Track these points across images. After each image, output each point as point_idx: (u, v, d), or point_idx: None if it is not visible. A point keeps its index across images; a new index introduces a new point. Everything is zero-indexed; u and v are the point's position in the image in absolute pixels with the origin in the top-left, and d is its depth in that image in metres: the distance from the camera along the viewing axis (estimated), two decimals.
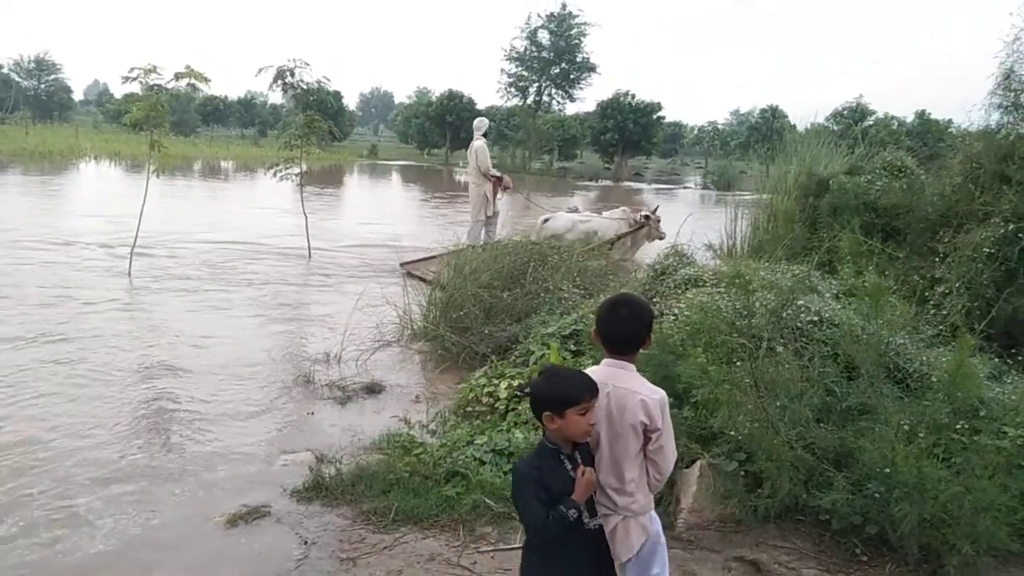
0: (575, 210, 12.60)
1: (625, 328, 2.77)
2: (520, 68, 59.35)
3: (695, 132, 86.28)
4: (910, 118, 53.22)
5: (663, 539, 2.91)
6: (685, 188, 50.48)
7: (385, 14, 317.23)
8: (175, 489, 4.73)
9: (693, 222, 10.63)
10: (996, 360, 5.14)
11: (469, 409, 6.02)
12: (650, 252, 11.21)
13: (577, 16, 58.51)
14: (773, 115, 66.26)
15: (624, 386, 2.71)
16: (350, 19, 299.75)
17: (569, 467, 2.58)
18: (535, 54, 58.61)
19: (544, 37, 58.43)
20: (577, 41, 58.49)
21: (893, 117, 52.39)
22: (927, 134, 46.02)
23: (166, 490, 4.70)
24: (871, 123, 48.13)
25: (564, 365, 5.78)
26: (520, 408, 5.70)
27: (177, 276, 11.21)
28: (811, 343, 4.65)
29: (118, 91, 69.70)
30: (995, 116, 7.52)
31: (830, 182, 9.01)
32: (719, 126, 76.47)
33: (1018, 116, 7.23)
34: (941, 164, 8.93)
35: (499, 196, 12.43)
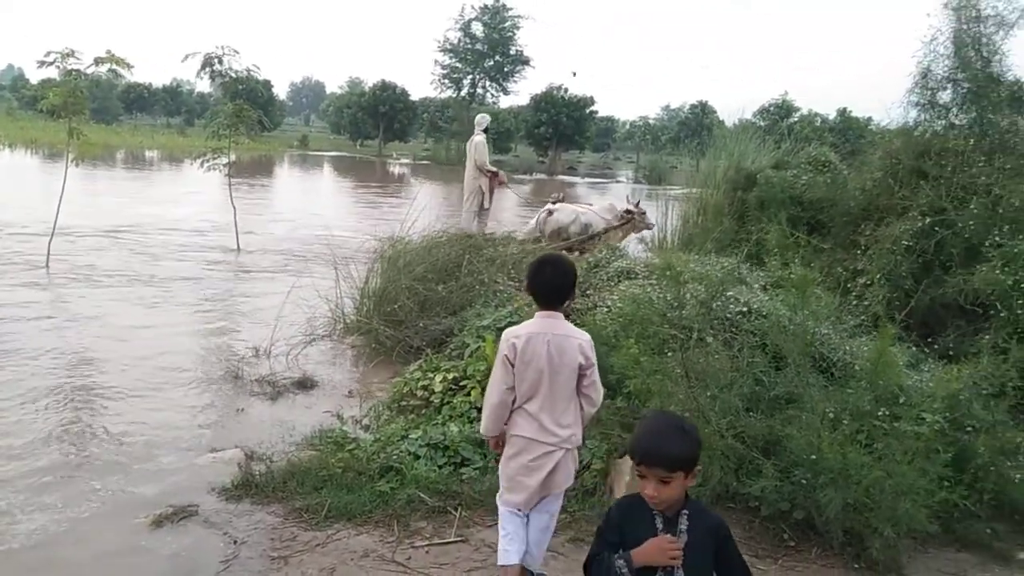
0: (560, 201, 12.68)
1: (551, 283, 3.16)
2: (454, 60, 59.15)
3: (627, 127, 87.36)
4: (832, 115, 55.02)
5: None
6: (618, 182, 51.02)
7: (316, 2, 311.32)
8: (97, 487, 4.55)
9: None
10: (914, 349, 5.35)
11: (403, 403, 5.95)
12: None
13: (511, 9, 58.62)
14: (703, 111, 67.55)
15: (561, 332, 3.11)
16: (280, 7, 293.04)
17: (660, 526, 2.19)
18: (469, 46, 58.45)
19: (478, 29, 58.32)
20: (511, 34, 58.58)
21: (816, 114, 54.06)
22: (848, 130, 47.56)
23: (88, 488, 4.52)
24: (796, 119, 49.57)
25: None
26: (455, 402, 5.67)
27: (98, 269, 10.78)
28: (740, 333, 4.74)
29: (34, 76, 66.65)
30: (913, 114, 7.76)
31: (757, 176, 9.22)
32: (650, 121, 77.60)
33: (934, 114, 7.49)
34: (862, 160, 9.22)
35: (496, 191, 12.67)
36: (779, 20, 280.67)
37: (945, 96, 7.54)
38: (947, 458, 3.73)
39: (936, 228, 6.14)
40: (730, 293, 5.18)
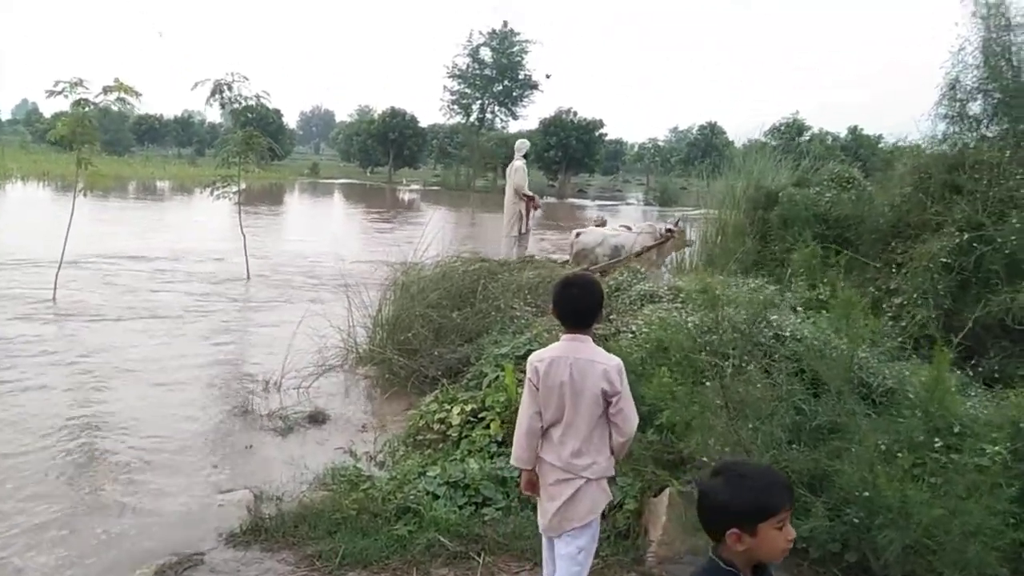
0: (603, 224, 13.06)
1: (577, 304, 3.05)
2: (463, 85, 59.27)
3: (636, 149, 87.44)
4: (843, 133, 54.75)
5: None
6: (628, 204, 50.91)
7: (325, 32, 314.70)
8: (101, 532, 4.32)
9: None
10: (959, 372, 5.04)
11: (420, 438, 5.69)
12: None
13: (519, 34, 58.84)
14: (712, 131, 67.44)
15: (584, 356, 2.97)
16: (289, 38, 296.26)
17: None
18: (477, 71, 58.61)
19: (486, 54, 58.51)
20: (519, 59, 58.72)
21: (827, 132, 53.81)
22: (860, 148, 47.31)
23: (92, 535, 4.29)
24: (807, 138, 49.27)
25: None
26: (474, 435, 5.40)
27: (106, 300, 10.61)
28: (777, 360, 4.46)
29: (47, 109, 67.40)
30: (941, 127, 7.50)
31: (779, 194, 8.97)
32: (659, 143, 77.58)
33: (964, 126, 7.23)
34: (888, 175, 8.96)
35: (533, 215, 12.91)
36: (780, 21, 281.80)
37: (975, 107, 7.30)
38: (1013, 493, 3.43)
39: (974, 244, 5.84)
40: (773, 317, 4.90)
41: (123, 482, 5.00)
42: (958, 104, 7.41)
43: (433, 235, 9.79)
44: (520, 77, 58.94)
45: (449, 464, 4.96)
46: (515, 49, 58.50)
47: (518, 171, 12.46)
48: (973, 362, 5.45)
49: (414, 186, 58.66)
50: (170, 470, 5.23)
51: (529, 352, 6.32)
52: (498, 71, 58.30)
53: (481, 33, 58.83)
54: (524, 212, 12.41)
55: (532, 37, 73.94)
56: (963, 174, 6.40)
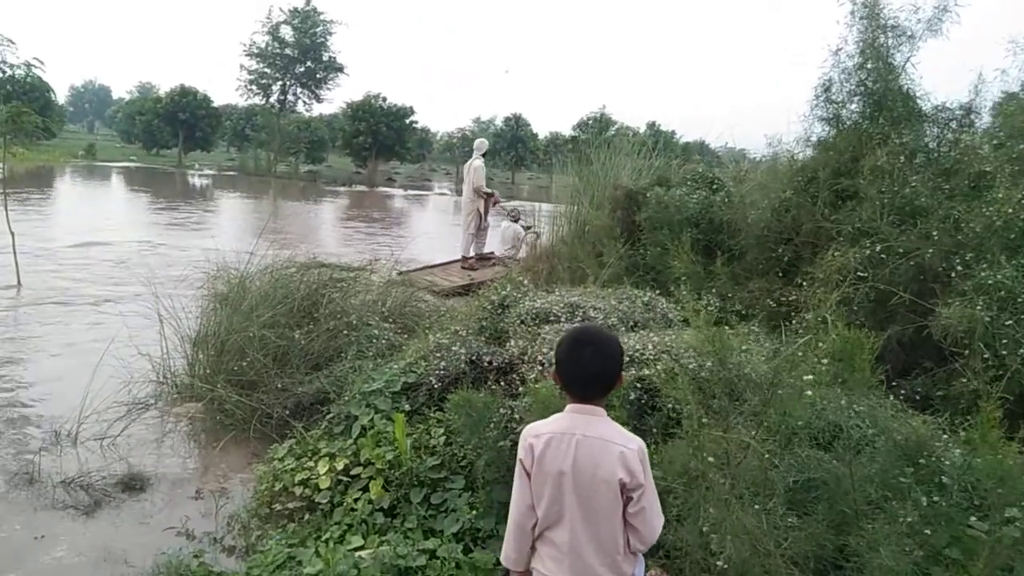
0: (517, 219, 13.47)
1: (590, 368, 2.36)
2: (262, 65, 55.28)
3: (443, 138, 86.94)
4: (643, 128, 57.14)
5: None
6: (440, 194, 50.02)
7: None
8: None
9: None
10: (891, 398, 4.63)
11: (277, 506, 4.48)
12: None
13: (322, 14, 55.81)
14: (517, 123, 68.05)
15: (596, 434, 2.31)
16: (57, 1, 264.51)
17: None
18: (278, 51, 54.88)
19: (287, 33, 54.87)
20: (323, 39, 55.71)
21: (628, 127, 55.92)
22: (658, 143, 49.49)
23: None
24: (613, 132, 50.88)
25: (401, 436, 4.45)
26: (349, 501, 4.30)
27: None
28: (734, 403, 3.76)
29: None
30: (817, 128, 7.28)
31: (646, 195, 8.46)
32: (467, 133, 77.40)
33: (841, 127, 7.02)
34: (755, 178, 8.73)
35: (492, 211, 13.39)
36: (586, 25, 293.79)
37: (852, 109, 7.12)
38: None
39: (883, 255, 5.52)
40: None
41: None
42: (833, 107, 7.21)
43: (236, 229, 8.31)
44: (324, 59, 55.95)
45: (328, 550, 3.82)
46: (318, 29, 55.45)
47: (477, 170, 12.98)
48: (894, 384, 5.10)
49: (207, 171, 54.20)
50: None
51: (408, 387, 5.31)
52: (300, 51, 54.96)
53: (282, 10, 55.21)
54: (482, 209, 12.94)
55: (336, 17, 71.10)
56: (863, 179, 6.10)
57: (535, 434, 2.39)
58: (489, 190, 13.15)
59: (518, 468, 2.43)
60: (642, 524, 2.31)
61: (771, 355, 3.44)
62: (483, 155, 13.42)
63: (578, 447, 2.29)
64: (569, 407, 2.40)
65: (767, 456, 3.04)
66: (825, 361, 3.18)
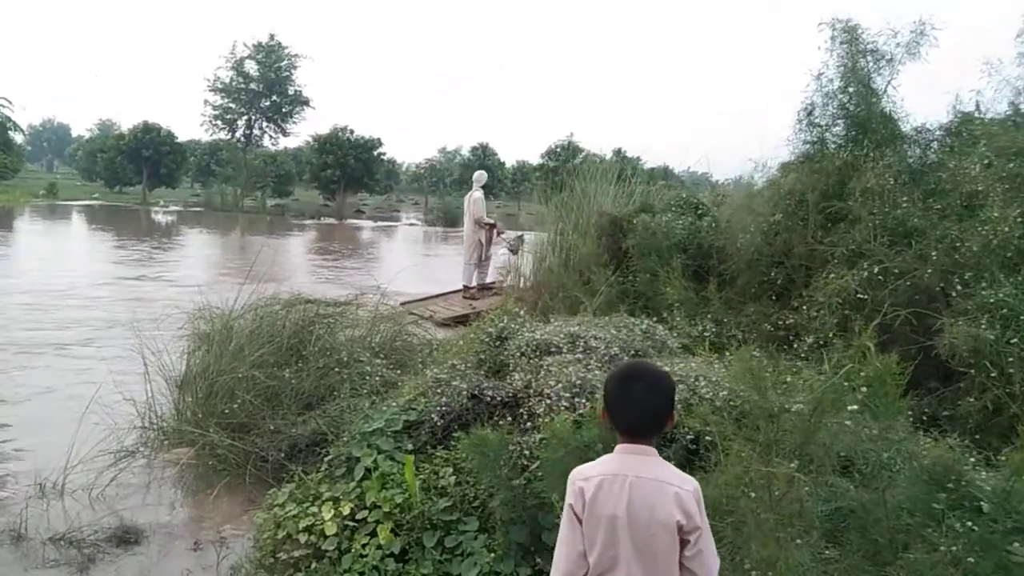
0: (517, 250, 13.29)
1: (642, 406, 2.29)
2: (227, 100, 54.90)
3: (409, 169, 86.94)
4: (609, 155, 57.65)
5: None
6: (410, 225, 49.87)
7: (57, 35, 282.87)
8: None
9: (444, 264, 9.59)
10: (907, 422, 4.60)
11: (281, 555, 4.30)
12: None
13: (287, 48, 55.68)
14: (484, 152, 68.36)
15: (650, 476, 2.23)
16: (12, 38, 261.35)
17: None
18: (243, 86, 54.56)
19: (252, 68, 54.65)
20: (288, 73, 55.54)
21: (595, 154, 56.36)
22: (623, 170, 49.96)
23: None
24: (581, 160, 51.33)
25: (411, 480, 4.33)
26: (356, 547, 4.15)
27: None
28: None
29: None
30: (800, 151, 7.35)
31: (633, 221, 8.47)
32: (434, 163, 77.48)
33: (826, 151, 7.10)
34: (733, 202, 8.80)
35: (495, 241, 13.49)
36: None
37: (836, 132, 7.21)
38: None
39: (880, 276, 5.54)
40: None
41: None
42: (817, 130, 7.29)
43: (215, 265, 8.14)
44: (290, 92, 55.74)
45: None
46: (283, 63, 55.30)
47: (477, 202, 13.19)
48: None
49: (173, 207, 53.53)
50: None
51: (409, 425, 5.18)
52: (265, 86, 54.70)
53: (245, 45, 55.02)
54: (484, 240, 13.12)
55: (301, 51, 71.05)
56: (853, 201, 6.15)
57: (584, 477, 2.29)
58: (491, 220, 13.29)
59: (566, 514, 2.32)
60: (700, 567, 2.23)
61: (808, 385, 3.35)
62: (483, 186, 13.57)
63: (632, 489, 2.21)
64: (619, 447, 2.33)
65: (807, 488, 2.96)
66: (864, 389, 3.09)
